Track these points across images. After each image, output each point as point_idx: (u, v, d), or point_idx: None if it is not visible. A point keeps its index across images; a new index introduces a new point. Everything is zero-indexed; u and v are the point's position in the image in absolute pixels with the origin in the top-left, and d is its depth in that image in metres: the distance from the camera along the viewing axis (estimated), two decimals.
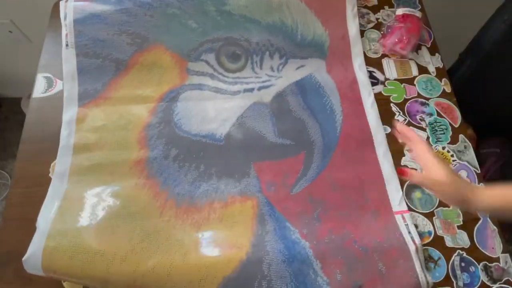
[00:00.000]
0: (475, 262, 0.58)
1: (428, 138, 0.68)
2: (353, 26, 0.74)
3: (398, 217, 0.60)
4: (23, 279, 0.54)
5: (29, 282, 0.54)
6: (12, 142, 1.42)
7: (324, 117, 0.68)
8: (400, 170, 0.52)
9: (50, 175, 0.61)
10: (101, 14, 0.68)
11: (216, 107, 0.67)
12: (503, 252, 0.59)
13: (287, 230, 0.57)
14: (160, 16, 0.69)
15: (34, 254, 0.52)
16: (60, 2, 0.69)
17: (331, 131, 0.66)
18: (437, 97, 0.71)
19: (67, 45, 0.67)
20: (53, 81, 0.70)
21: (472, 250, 0.59)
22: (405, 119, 0.69)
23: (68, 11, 0.68)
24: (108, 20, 0.68)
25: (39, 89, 0.69)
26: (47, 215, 0.56)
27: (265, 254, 0.54)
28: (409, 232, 0.58)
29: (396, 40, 0.72)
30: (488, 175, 0.85)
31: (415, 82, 0.73)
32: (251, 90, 0.69)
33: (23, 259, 0.52)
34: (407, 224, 0.59)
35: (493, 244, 0.59)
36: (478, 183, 0.64)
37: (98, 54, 0.67)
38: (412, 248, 0.56)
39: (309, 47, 0.72)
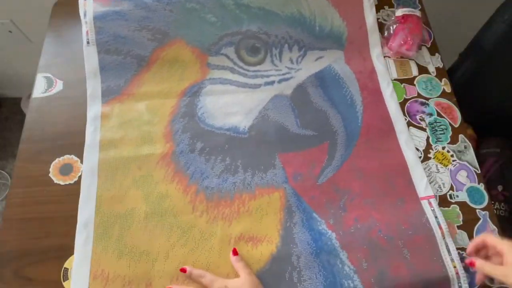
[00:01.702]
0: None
1: (428, 138, 0.68)
2: (370, 16, 0.74)
3: (424, 203, 0.61)
4: (23, 279, 0.54)
5: (29, 282, 0.54)
6: (12, 142, 1.42)
7: (345, 107, 0.69)
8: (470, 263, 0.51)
9: (50, 175, 0.61)
10: (121, 10, 0.68)
11: (238, 101, 0.68)
12: None
13: (314, 221, 0.58)
14: (179, 10, 0.69)
15: (83, 258, 0.54)
16: (79, 0, 0.70)
17: (353, 121, 0.67)
18: (437, 97, 0.72)
19: (88, 42, 0.68)
20: (53, 81, 0.70)
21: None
22: (405, 119, 0.69)
23: (87, 8, 0.68)
24: (128, 16, 0.68)
25: (39, 89, 0.69)
26: (87, 218, 0.57)
27: (294, 246, 0.56)
28: (436, 217, 0.59)
29: (402, 42, 0.72)
30: (488, 175, 0.85)
31: (415, 82, 0.73)
32: (272, 83, 0.70)
33: (73, 268, 0.54)
34: (433, 209, 0.60)
35: None
36: (478, 184, 0.64)
37: (120, 50, 0.68)
38: (438, 233, 0.58)
39: (327, 38, 0.73)
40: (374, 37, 0.74)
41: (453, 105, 0.71)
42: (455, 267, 0.56)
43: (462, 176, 0.65)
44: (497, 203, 0.82)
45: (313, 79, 0.71)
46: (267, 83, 0.70)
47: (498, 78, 0.83)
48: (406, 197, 0.61)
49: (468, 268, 0.55)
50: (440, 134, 0.68)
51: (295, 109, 0.68)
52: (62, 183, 0.61)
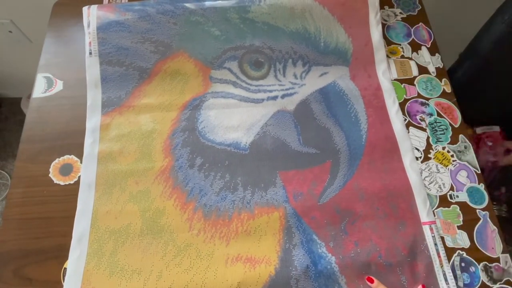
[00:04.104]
0: (475, 262, 0.58)
1: (428, 138, 0.68)
2: (376, 33, 0.73)
3: (425, 228, 0.59)
4: (23, 279, 0.55)
5: (28, 282, 0.54)
6: (12, 142, 1.42)
7: (349, 125, 0.67)
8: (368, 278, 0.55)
9: (50, 175, 0.61)
10: (125, 21, 0.68)
11: (240, 116, 0.67)
12: (503, 252, 0.59)
13: (314, 243, 0.57)
14: (183, 23, 0.68)
15: (75, 274, 0.54)
16: (83, 9, 0.69)
17: (356, 140, 0.66)
18: (437, 97, 0.72)
19: (90, 53, 0.67)
20: (53, 81, 0.70)
21: (472, 250, 0.59)
22: (405, 119, 0.69)
23: (91, 18, 0.68)
24: (132, 28, 0.68)
25: (39, 89, 0.69)
26: (82, 232, 0.57)
27: (293, 269, 0.55)
28: (435, 244, 0.58)
29: None
30: (491, 177, 0.85)
31: (415, 82, 0.73)
32: (275, 98, 0.69)
33: (65, 282, 0.54)
34: (433, 236, 0.59)
35: (493, 244, 0.59)
36: (479, 184, 0.64)
37: (122, 62, 0.68)
38: (436, 262, 0.57)
39: (332, 54, 0.71)
40: (380, 53, 0.73)
41: (453, 105, 0.71)
42: None
43: (462, 176, 0.65)
44: (499, 205, 0.83)
45: (317, 95, 0.69)
46: (270, 98, 0.69)
47: (498, 78, 0.83)
48: (408, 220, 0.60)
49: None
50: (440, 134, 0.68)
51: (298, 125, 0.67)
52: (62, 183, 0.61)
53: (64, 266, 0.55)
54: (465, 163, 0.66)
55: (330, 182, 0.62)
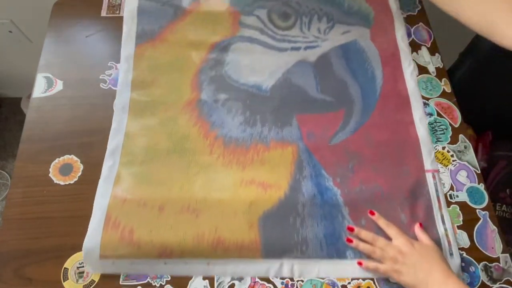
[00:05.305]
0: (475, 262, 0.58)
1: None
2: (394, 5, 0.79)
3: (428, 175, 0.63)
4: (23, 279, 0.55)
5: (29, 282, 0.54)
6: (12, 142, 1.42)
7: (365, 80, 0.71)
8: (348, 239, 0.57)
9: (50, 175, 0.61)
10: None
11: (264, 61, 0.72)
12: (503, 252, 0.59)
13: (322, 177, 0.62)
14: None
15: (108, 178, 0.60)
16: None
17: (371, 93, 0.70)
18: (437, 97, 0.71)
19: None
20: (53, 81, 0.70)
21: (472, 250, 0.59)
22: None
23: None
24: None
25: (39, 89, 0.69)
26: (115, 146, 0.63)
27: (301, 196, 0.60)
28: (436, 190, 0.62)
29: None
30: (498, 178, 0.85)
31: None
32: (298, 48, 0.73)
33: (98, 185, 0.60)
34: (435, 183, 0.62)
35: (493, 244, 0.59)
36: (478, 184, 0.64)
37: None
38: (435, 205, 0.60)
39: (355, 15, 0.77)
40: (399, 20, 0.77)
41: (453, 105, 0.71)
42: (447, 236, 0.58)
43: (462, 176, 0.65)
44: (504, 206, 0.83)
45: (338, 50, 0.74)
46: (293, 48, 0.73)
47: (498, 78, 0.83)
48: (412, 167, 0.63)
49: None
50: (440, 134, 0.68)
51: (317, 75, 0.71)
52: (62, 183, 0.61)
53: (64, 266, 0.55)
54: (465, 163, 0.66)
55: (342, 126, 0.66)
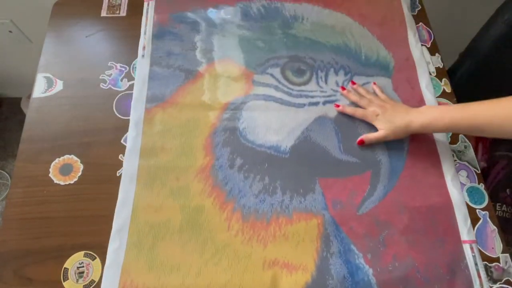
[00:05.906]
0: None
1: None
2: (416, 51, 0.75)
3: (465, 247, 0.58)
4: (23, 279, 0.54)
5: (29, 282, 0.54)
6: (12, 142, 1.42)
7: None
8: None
9: (50, 175, 0.61)
10: (178, 32, 0.75)
11: (281, 119, 0.67)
12: (503, 252, 0.59)
13: (352, 253, 0.57)
14: (231, 36, 0.75)
15: (114, 264, 0.55)
16: (142, 19, 0.76)
17: (398, 152, 0.65)
18: (437, 97, 0.71)
19: (143, 56, 0.72)
20: (53, 81, 0.70)
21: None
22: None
23: (147, 28, 0.75)
24: (184, 38, 0.74)
25: (39, 89, 0.69)
26: (122, 223, 0.57)
27: (330, 278, 0.55)
28: (476, 264, 0.57)
29: None
30: (498, 178, 0.85)
31: None
32: (316, 103, 0.69)
33: (104, 274, 0.54)
34: (474, 255, 0.58)
35: (493, 244, 0.59)
36: (478, 184, 0.64)
37: (170, 65, 0.72)
38: (476, 283, 0.56)
39: (374, 66, 0.73)
40: (422, 68, 0.73)
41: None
42: None
43: (462, 176, 0.64)
44: (504, 206, 0.83)
45: None
46: (311, 104, 0.69)
47: (498, 78, 0.83)
48: (448, 238, 0.59)
49: None
50: None
51: (339, 133, 0.66)
52: (62, 183, 0.61)
53: (64, 266, 0.55)
54: (465, 163, 0.66)
55: (370, 192, 0.61)
